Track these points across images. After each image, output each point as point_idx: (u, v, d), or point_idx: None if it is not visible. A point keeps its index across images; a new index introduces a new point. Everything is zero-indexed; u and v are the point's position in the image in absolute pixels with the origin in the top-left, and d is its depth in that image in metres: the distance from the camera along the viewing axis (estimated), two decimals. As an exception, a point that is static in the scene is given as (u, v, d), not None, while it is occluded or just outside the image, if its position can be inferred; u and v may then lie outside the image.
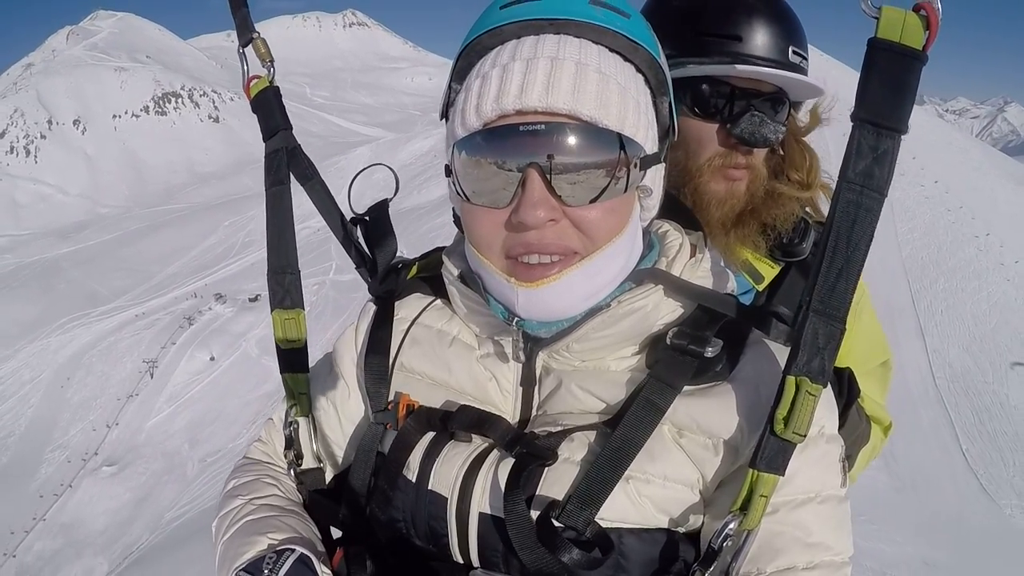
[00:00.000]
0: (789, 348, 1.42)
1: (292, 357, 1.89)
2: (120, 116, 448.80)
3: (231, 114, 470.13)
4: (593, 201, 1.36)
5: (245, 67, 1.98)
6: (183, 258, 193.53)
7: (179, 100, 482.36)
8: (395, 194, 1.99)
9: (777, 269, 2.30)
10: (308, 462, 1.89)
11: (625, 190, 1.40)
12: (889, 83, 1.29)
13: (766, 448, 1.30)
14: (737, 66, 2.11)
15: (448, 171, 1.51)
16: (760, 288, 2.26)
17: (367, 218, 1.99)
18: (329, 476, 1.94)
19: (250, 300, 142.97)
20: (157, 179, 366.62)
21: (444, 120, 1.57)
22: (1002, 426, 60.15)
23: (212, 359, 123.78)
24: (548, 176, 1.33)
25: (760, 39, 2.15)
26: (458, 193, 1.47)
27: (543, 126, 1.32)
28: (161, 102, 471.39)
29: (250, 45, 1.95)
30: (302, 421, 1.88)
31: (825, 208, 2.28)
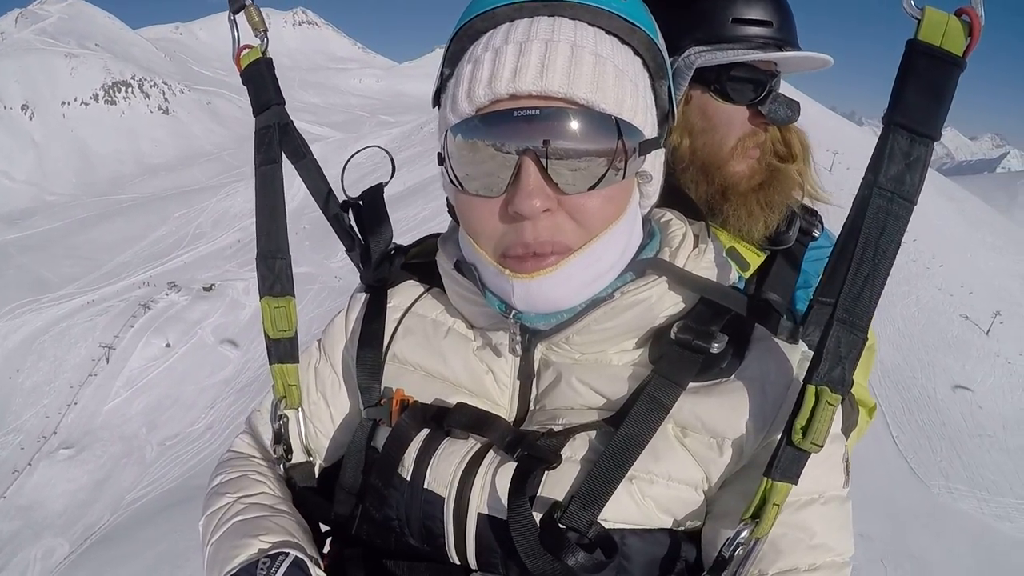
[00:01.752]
0: (793, 345, 1.44)
1: (282, 347, 1.80)
2: (69, 103, 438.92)
3: (181, 107, 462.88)
4: (591, 188, 1.32)
5: (236, 35, 1.87)
6: (134, 247, 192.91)
7: (129, 90, 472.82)
8: (391, 178, 1.89)
9: (763, 257, 2.34)
10: (297, 456, 1.83)
11: (624, 176, 1.36)
12: (926, 88, 1.24)
13: (782, 457, 1.27)
14: (790, 53, 2.14)
15: (441, 159, 1.46)
16: (747, 275, 2.29)
17: (360, 202, 1.89)
18: (318, 470, 1.88)
19: (204, 289, 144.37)
20: (105, 168, 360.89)
21: (436, 107, 1.51)
22: (930, 417, 66.24)
23: (168, 346, 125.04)
24: (544, 163, 1.29)
25: (785, 22, 2.19)
26: (451, 181, 1.42)
27: (537, 111, 1.27)
28: (111, 91, 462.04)
29: (242, 12, 1.85)
30: (291, 414, 1.81)
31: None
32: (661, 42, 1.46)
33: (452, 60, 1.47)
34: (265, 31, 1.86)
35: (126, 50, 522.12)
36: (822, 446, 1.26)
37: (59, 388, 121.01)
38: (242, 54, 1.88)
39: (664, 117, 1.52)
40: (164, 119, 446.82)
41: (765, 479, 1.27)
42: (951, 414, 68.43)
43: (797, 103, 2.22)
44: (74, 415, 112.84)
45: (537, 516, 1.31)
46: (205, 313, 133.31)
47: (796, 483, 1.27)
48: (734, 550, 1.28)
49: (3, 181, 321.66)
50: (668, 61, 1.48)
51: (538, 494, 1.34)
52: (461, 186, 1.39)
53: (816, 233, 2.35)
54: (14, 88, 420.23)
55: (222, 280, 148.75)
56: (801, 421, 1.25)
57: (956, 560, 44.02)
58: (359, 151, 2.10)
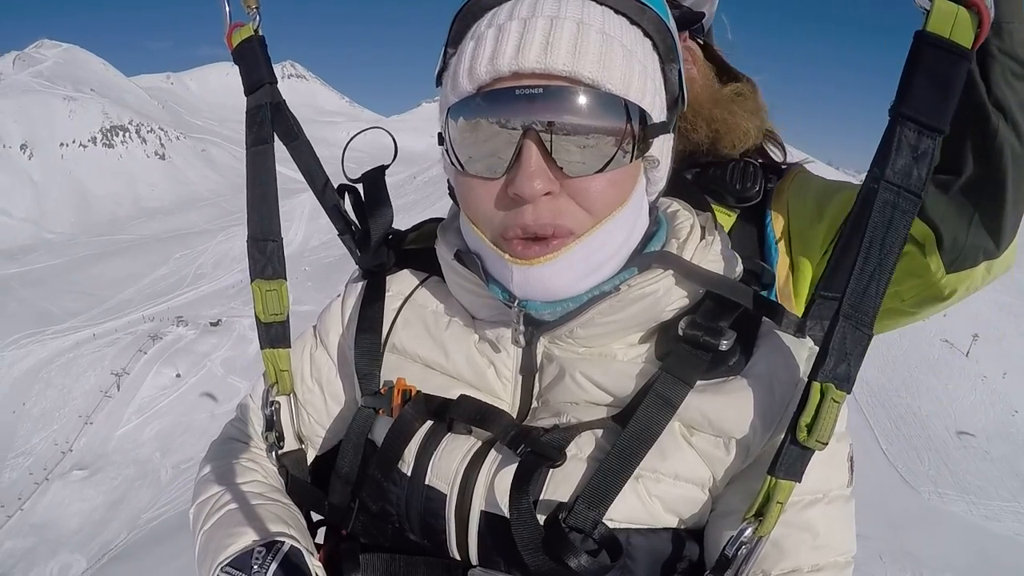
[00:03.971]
0: (800, 340, 1.41)
1: (273, 331, 1.69)
2: (67, 145, 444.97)
3: (177, 153, 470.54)
4: (596, 172, 1.28)
5: (227, 10, 1.76)
6: (135, 285, 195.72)
7: (126, 134, 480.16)
8: (392, 160, 1.82)
9: (734, 217, 2.35)
10: (289, 443, 1.78)
11: (631, 160, 1.31)
12: (935, 80, 1.20)
13: (786, 455, 1.22)
14: None
15: (441, 139, 1.41)
16: None
17: (360, 185, 1.82)
18: (311, 457, 1.84)
19: (211, 324, 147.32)
20: (103, 209, 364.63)
21: (439, 86, 1.45)
22: (916, 430, 71.96)
23: (178, 376, 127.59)
24: (546, 144, 1.24)
25: None
26: (452, 163, 1.37)
27: (540, 89, 1.22)
28: (109, 135, 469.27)
29: None
30: (284, 400, 1.75)
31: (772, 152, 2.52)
32: (672, 24, 1.42)
33: (456, 39, 1.42)
34: (258, 7, 1.75)
35: (121, 96, 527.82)
36: (827, 444, 1.23)
37: (68, 415, 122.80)
38: (233, 32, 1.77)
39: (673, 101, 1.45)
40: (160, 164, 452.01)
41: (769, 477, 1.23)
42: (935, 428, 73.32)
43: (691, 12, 2.39)
44: (87, 439, 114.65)
45: (541, 516, 1.29)
46: (213, 346, 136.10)
47: (800, 481, 1.24)
48: (737, 549, 1.25)
49: (2, 218, 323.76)
50: (679, 44, 1.44)
51: (543, 492, 1.32)
52: (461, 167, 1.34)
53: (772, 184, 2.40)
54: (12, 127, 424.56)
55: (228, 316, 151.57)
56: (806, 419, 1.22)
57: (949, 557, 48.01)
58: (359, 133, 2.04)
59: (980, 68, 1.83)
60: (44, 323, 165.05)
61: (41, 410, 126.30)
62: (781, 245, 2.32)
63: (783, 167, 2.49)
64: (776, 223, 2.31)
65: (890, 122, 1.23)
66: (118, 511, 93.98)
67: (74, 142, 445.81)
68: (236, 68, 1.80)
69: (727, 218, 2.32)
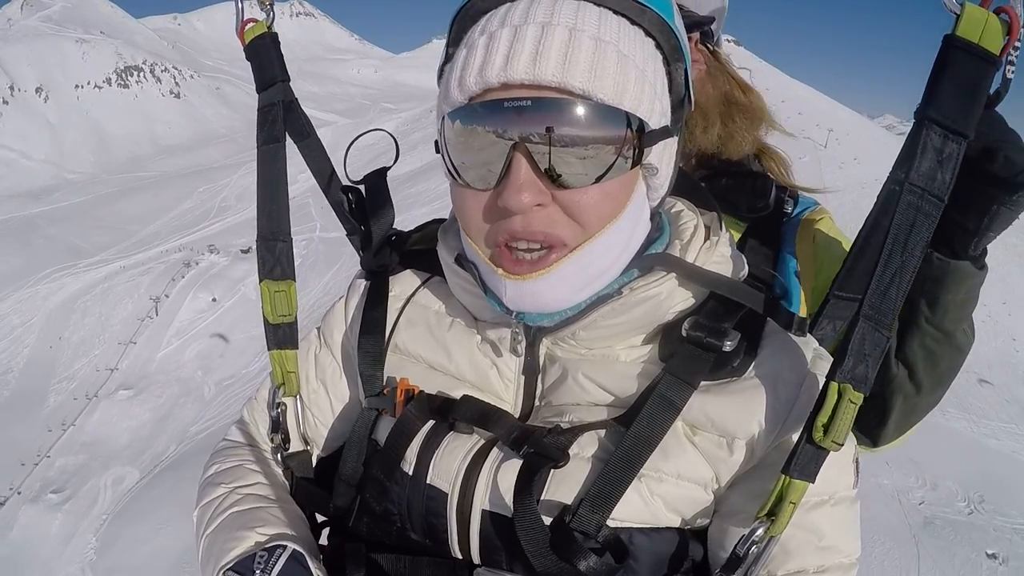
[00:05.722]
0: (804, 340, 1.41)
1: (281, 332, 1.72)
2: (82, 86, 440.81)
3: (191, 91, 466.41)
4: (590, 184, 1.25)
5: (240, 7, 1.77)
6: (162, 219, 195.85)
7: (141, 74, 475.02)
8: (394, 162, 1.83)
9: (743, 228, 2.38)
10: (295, 445, 1.79)
11: (630, 168, 1.28)
12: (961, 85, 1.20)
13: (801, 455, 1.23)
14: None
15: (437, 147, 1.40)
16: None
17: (363, 186, 1.82)
18: (316, 460, 1.86)
19: (243, 252, 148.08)
20: (121, 148, 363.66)
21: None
22: None
23: (214, 300, 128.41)
24: (537, 157, 1.22)
25: None
26: (447, 171, 1.37)
27: (529, 102, 1.20)
28: (123, 75, 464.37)
29: None
30: (290, 402, 1.76)
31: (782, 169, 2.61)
32: (677, 23, 1.37)
33: (454, 41, 1.40)
34: (271, 4, 1.77)
35: (131, 38, 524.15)
36: (842, 445, 1.23)
37: (108, 341, 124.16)
38: (246, 28, 1.78)
39: (680, 102, 1.41)
40: (176, 103, 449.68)
41: (783, 476, 1.24)
42: (941, 355, 76.27)
43: (703, 20, 2.47)
44: (129, 361, 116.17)
45: (545, 517, 1.28)
46: (246, 272, 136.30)
47: (813, 481, 1.24)
48: (748, 548, 1.25)
49: (21, 161, 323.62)
50: (685, 43, 1.39)
51: (544, 493, 1.31)
52: (456, 176, 1.34)
53: (788, 208, 2.42)
54: (27, 71, 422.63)
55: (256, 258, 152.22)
56: (823, 419, 1.22)
57: (949, 466, 50.64)
58: (362, 134, 2.06)
59: (900, 329, 1.99)
60: (75, 257, 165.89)
61: (80, 338, 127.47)
62: (803, 283, 2.35)
63: (800, 194, 2.53)
64: (801, 260, 2.33)
65: (915, 124, 1.22)
66: (166, 426, 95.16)
67: (89, 83, 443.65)
68: (243, 7, 1.80)
69: (737, 230, 2.38)
